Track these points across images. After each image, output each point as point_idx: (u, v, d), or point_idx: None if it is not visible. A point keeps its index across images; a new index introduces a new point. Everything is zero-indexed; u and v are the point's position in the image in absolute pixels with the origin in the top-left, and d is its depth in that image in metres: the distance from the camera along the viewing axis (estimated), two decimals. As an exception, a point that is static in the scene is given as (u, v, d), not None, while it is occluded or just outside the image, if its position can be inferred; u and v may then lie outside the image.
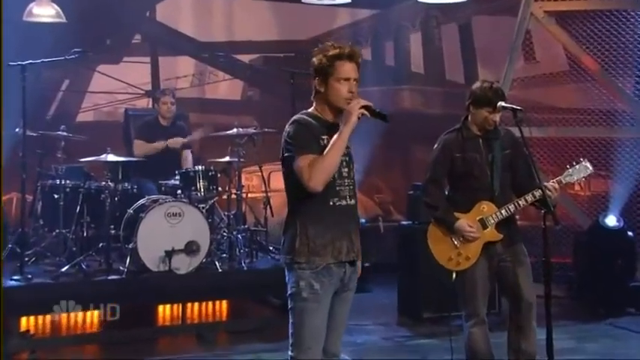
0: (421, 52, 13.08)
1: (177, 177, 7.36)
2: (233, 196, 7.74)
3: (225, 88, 13.37)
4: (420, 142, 11.12)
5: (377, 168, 11.29)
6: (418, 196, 6.40)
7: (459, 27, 12.91)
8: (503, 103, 4.70)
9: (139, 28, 12.02)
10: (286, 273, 3.91)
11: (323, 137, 3.81)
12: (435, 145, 4.93)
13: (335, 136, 3.77)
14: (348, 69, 3.85)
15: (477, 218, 4.77)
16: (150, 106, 11.35)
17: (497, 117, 4.76)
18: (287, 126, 3.89)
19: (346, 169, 3.90)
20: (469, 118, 4.86)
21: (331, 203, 3.83)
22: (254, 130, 7.86)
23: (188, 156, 7.95)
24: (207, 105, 12.78)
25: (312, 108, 3.95)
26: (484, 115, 4.75)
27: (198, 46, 11.96)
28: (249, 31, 12.46)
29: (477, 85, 4.84)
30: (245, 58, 12.84)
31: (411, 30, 13.04)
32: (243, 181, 7.96)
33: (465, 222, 4.75)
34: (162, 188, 7.51)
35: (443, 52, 13.01)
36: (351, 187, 3.92)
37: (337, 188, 3.85)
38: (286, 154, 3.85)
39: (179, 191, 7.29)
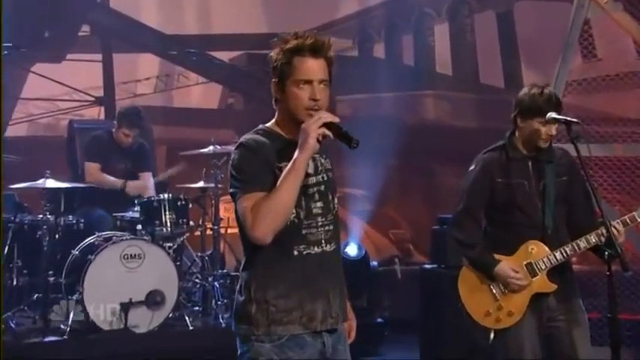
0: (449, 47, 13.11)
1: (137, 208, 7.35)
2: (208, 231, 7.73)
3: (199, 94, 13.36)
4: (448, 162, 11.14)
5: (392, 196, 11.28)
6: (446, 232, 6.37)
7: (497, 15, 12.95)
8: (554, 114, 4.68)
9: (87, 16, 12.04)
10: (238, 344, 3.65)
11: (281, 165, 3.53)
12: (472, 167, 4.92)
13: (286, 168, 3.48)
14: (310, 67, 3.54)
15: (524, 262, 4.76)
16: (102, 117, 11.34)
17: (552, 129, 4.73)
18: (233, 150, 3.66)
19: (320, 203, 3.63)
20: (516, 133, 4.85)
21: (296, 253, 3.56)
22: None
23: (149, 180, 7.91)
24: (176, 115, 12.77)
25: (272, 121, 3.69)
26: (535, 127, 4.73)
27: (165, 41, 11.99)
28: (229, 21, 12.49)
29: (524, 91, 4.85)
30: (224, 55, 12.86)
31: (436, 20, 13.06)
32: (222, 213, 7.96)
33: (508, 266, 4.74)
34: (118, 222, 7.52)
35: (476, 48, 13.03)
36: (329, 227, 3.64)
37: (304, 232, 3.58)
38: (231, 190, 3.59)
39: (139, 226, 7.30)
